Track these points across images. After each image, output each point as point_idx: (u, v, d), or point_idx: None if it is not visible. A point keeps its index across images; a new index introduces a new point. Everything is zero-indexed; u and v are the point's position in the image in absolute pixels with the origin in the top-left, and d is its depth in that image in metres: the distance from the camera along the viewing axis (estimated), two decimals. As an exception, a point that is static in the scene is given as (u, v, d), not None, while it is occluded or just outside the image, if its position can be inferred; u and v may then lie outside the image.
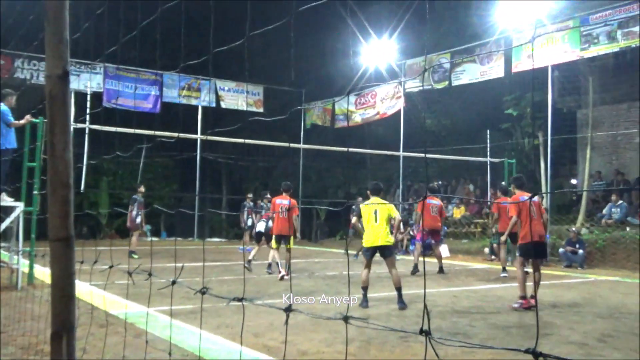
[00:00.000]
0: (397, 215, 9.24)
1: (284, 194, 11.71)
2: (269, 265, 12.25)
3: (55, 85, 1.59)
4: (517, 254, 8.97)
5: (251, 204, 17.51)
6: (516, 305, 8.31)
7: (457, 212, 21.03)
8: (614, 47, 15.28)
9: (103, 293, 7.79)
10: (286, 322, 1.74)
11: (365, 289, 8.53)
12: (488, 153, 19.29)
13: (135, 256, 14.59)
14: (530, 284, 8.66)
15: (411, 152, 20.62)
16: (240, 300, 1.85)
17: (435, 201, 13.55)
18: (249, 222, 16.79)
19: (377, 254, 8.63)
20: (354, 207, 14.46)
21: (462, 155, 20.05)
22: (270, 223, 12.78)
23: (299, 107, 25.26)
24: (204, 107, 23.61)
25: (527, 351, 1.47)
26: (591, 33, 15.51)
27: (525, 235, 8.49)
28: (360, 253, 13.92)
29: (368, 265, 8.69)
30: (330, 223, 26.89)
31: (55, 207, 1.59)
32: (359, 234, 9.26)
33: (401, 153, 20.55)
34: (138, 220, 15.75)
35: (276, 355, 5.50)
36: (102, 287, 7.83)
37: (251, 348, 5.80)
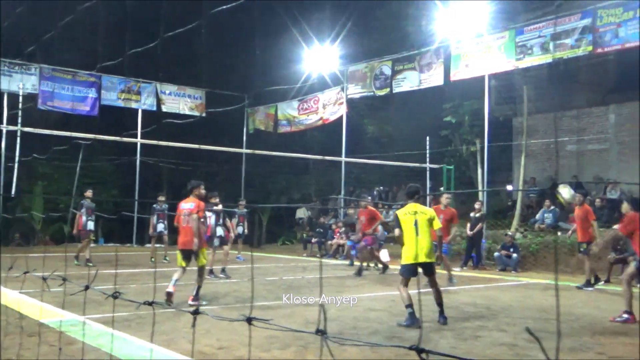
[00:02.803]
0: (439, 225, 8.19)
1: (190, 196, 9.10)
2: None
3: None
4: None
5: (164, 206, 16.27)
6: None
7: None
8: (547, 58, 15.84)
9: (34, 301, 7.54)
10: (193, 325, 1.72)
11: (410, 305, 7.49)
12: (427, 159, 19.65)
13: (90, 264, 14.14)
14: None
15: (353, 158, 20.81)
16: (150, 304, 1.83)
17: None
18: (160, 227, 15.86)
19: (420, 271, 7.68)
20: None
21: (403, 161, 20.35)
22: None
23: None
24: (144, 111, 23.17)
25: (411, 348, 1.51)
26: (526, 44, 16.04)
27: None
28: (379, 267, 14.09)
29: (406, 284, 7.65)
30: (272, 228, 26.83)
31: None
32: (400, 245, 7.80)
33: (343, 159, 20.71)
34: (90, 226, 14.97)
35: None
36: (35, 295, 7.59)
37: (186, 355, 5.72)
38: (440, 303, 7.70)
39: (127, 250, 20.87)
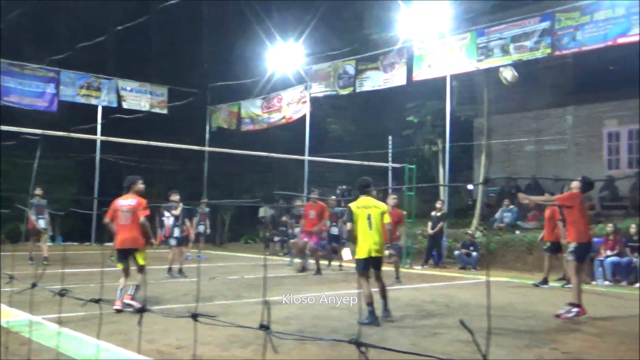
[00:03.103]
0: (389, 219, 8.15)
1: (129, 192, 8.52)
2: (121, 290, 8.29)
3: None
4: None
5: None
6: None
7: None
8: (507, 60, 16.10)
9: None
10: (139, 323, 1.71)
11: (371, 304, 7.47)
12: (390, 158, 19.79)
13: (46, 262, 13.81)
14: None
15: (317, 157, 20.83)
16: (97, 301, 1.81)
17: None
18: (42, 224, 14.58)
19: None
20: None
21: (366, 161, 20.43)
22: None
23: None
24: (104, 107, 22.76)
25: (350, 342, 1.53)
26: (487, 46, 16.28)
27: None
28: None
29: (366, 278, 7.66)
30: (235, 227, 26.69)
31: None
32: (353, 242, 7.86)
33: (306, 157, 20.71)
34: (41, 224, 14.50)
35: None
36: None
37: (145, 354, 5.65)
38: (384, 296, 7.70)
39: (86, 249, 20.50)
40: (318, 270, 13.57)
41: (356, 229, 7.59)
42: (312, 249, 13.73)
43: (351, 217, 7.63)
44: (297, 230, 16.39)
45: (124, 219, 8.28)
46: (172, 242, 12.60)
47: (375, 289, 7.73)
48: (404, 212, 13.50)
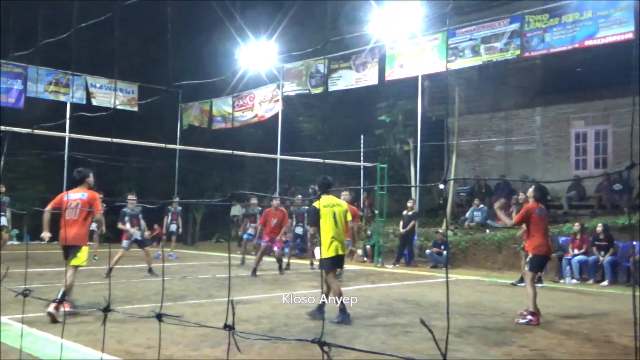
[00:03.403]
0: (350, 217, 8.16)
1: (80, 186, 8.01)
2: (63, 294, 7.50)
3: None
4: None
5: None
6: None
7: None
8: (477, 61, 16.28)
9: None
10: (103, 323, 1.69)
11: (341, 301, 7.54)
12: (362, 158, 19.87)
13: None
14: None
15: (289, 155, 20.81)
16: (61, 302, 1.77)
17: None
18: (2, 221, 14.29)
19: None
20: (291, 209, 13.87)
21: (338, 160, 20.50)
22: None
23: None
24: (72, 104, 22.40)
25: (313, 341, 1.54)
26: (457, 46, 16.43)
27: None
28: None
29: (334, 275, 7.79)
30: (206, 226, 26.52)
31: None
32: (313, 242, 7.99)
33: (278, 156, 20.68)
34: (2, 222, 14.23)
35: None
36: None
37: (114, 355, 5.59)
38: (327, 294, 7.67)
39: (54, 247, 20.14)
40: (281, 269, 13.63)
41: (322, 228, 7.54)
42: (277, 254, 13.49)
43: (317, 217, 7.60)
44: (250, 230, 16.11)
45: (72, 214, 7.69)
46: (124, 244, 12.45)
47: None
48: (358, 210, 13.42)
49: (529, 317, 7.78)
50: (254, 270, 12.92)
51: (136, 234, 12.45)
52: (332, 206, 7.70)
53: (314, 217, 7.71)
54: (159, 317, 1.75)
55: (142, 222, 13.20)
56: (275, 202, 13.54)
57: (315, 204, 7.79)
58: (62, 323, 6.50)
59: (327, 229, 7.54)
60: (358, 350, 1.82)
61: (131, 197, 13.23)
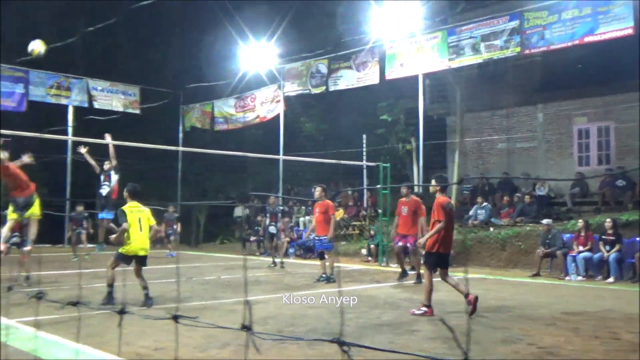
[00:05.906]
0: (154, 222, 8.97)
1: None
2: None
3: None
4: None
5: None
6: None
7: (337, 215, 21.46)
8: (477, 59, 16.29)
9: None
10: (120, 324, 1.69)
11: (112, 285, 8.46)
12: (364, 157, 19.86)
13: None
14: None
15: (291, 156, 20.81)
16: (75, 304, 1.79)
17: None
18: None
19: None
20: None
21: (340, 159, 20.48)
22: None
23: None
24: (75, 107, 22.43)
25: (332, 341, 1.55)
26: (457, 44, 16.44)
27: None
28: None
29: (117, 266, 8.56)
30: (210, 227, 26.53)
31: None
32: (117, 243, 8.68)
33: (281, 157, 20.68)
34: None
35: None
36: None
37: (122, 356, 5.60)
38: (146, 287, 8.48)
39: (58, 250, 20.19)
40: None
41: (130, 230, 8.36)
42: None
43: (125, 219, 8.39)
44: (271, 228, 16.12)
45: None
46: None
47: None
48: (335, 204, 13.29)
49: (423, 308, 8.13)
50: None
51: None
52: (138, 212, 8.53)
53: (123, 218, 8.43)
54: (175, 318, 1.75)
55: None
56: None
57: (124, 207, 8.57)
58: (74, 326, 6.51)
59: (132, 231, 8.36)
60: (380, 350, 1.82)
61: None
